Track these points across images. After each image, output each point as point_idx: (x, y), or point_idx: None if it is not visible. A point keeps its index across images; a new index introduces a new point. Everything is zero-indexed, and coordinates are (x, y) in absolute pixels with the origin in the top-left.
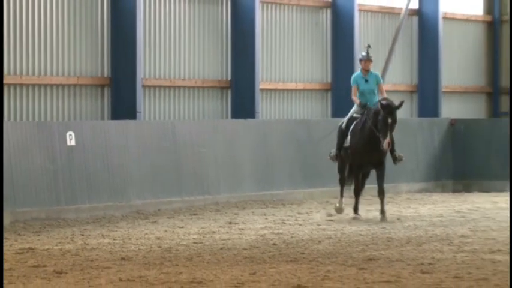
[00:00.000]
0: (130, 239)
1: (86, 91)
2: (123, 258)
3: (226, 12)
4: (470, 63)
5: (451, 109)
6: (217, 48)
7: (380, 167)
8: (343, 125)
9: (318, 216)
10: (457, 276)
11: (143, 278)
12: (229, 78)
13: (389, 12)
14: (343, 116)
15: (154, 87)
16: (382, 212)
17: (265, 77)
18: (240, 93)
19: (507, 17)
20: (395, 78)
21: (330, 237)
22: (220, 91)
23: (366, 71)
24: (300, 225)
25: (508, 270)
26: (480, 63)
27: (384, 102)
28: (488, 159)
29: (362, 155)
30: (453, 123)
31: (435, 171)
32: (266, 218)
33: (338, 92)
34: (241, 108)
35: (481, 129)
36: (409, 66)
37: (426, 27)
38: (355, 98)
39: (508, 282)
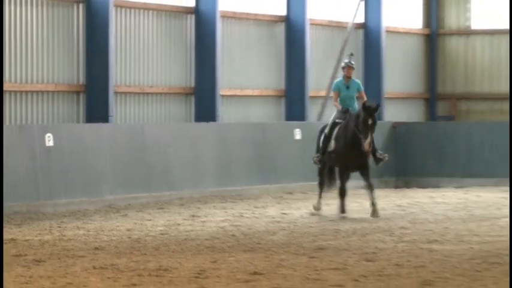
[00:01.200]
0: (103, 230)
1: (63, 97)
2: (96, 248)
3: (190, 25)
4: (410, 71)
5: (393, 113)
6: (182, 58)
7: (364, 170)
8: (326, 130)
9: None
10: (397, 264)
11: (114, 266)
12: (192, 85)
13: (337, 26)
14: (296, 119)
15: (125, 93)
16: (373, 204)
17: (225, 84)
18: (203, 99)
19: (443, 31)
20: None
21: (284, 229)
22: (185, 97)
23: (348, 78)
24: (257, 218)
25: (444, 258)
26: (419, 72)
27: (365, 104)
28: (425, 158)
29: (347, 158)
30: (395, 126)
31: (378, 169)
32: (226, 212)
33: (291, 98)
34: (203, 112)
35: (419, 132)
36: (355, 74)
37: (370, 40)
38: (337, 104)
39: (446, 269)
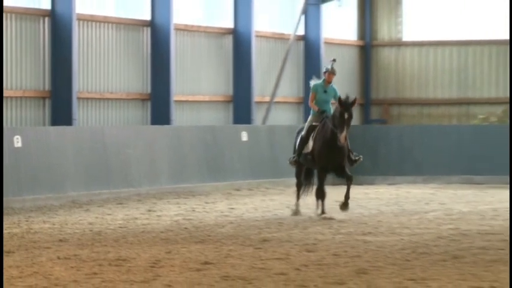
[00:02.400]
0: (66, 224)
1: (30, 102)
2: (60, 240)
3: (146, 37)
4: (346, 79)
5: None
6: (139, 67)
7: (341, 170)
8: (303, 132)
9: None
10: (335, 254)
11: (77, 256)
12: (149, 91)
13: (280, 38)
14: (243, 122)
15: (87, 99)
16: (346, 197)
17: (178, 90)
18: (158, 104)
19: (376, 42)
20: (285, 91)
21: (232, 223)
22: (142, 102)
23: (328, 82)
24: (207, 212)
25: (377, 248)
26: (354, 80)
27: (342, 98)
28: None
29: (326, 158)
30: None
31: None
32: (179, 207)
33: (238, 103)
34: (158, 116)
35: (355, 134)
36: (295, 81)
37: (310, 50)
38: (313, 105)
39: (379, 259)
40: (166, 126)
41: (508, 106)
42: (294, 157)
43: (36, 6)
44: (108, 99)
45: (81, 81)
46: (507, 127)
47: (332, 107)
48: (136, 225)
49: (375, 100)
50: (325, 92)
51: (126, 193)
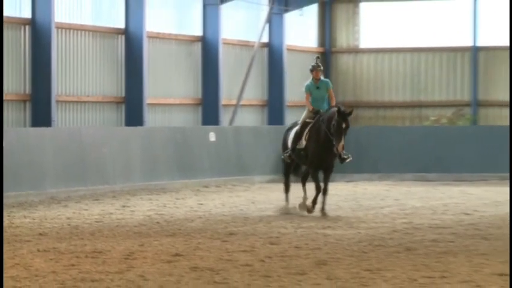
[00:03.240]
0: (46, 219)
1: (12, 105)
2: (40, 234)
3: (120, 44)
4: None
5: (293, 119)
6: (113, 72)
7: (329, 170)
8: (298, 128)
9: (213, 204)
10: (297, 247)
11: (56, 248)
12: (123, 95)
13: (245, 45)
14: (211, 124)
15: (65, 102)
16: (323, 209)
17: (151, 94)
18: (132, 106)
19: (335, 49)
20: (251, 95)
21: (200, 217)
22: (116, 105)
23: (316, 79)
24: (178, 208)
25: (336, 241)
26: None
27: (339, 109)
28: None
29: (318, 157)
30: None
31: (280, 167)
32: (151, 202)
33: (206, 106)
34: (132, 118)
35: None
36: (260, 85)
37: (274, 57)
38: (309, 104)
39: (338, 251)
40: (139, 127)
41: (457, 108)
42: (287, 152)
43: (18, 15)
44: (84, 102)
45: (60, 85)
46: (456, 128)
47: (327, 101)
48: (111, 219)
49: None
50: (317, 88)
51: (102, 190)
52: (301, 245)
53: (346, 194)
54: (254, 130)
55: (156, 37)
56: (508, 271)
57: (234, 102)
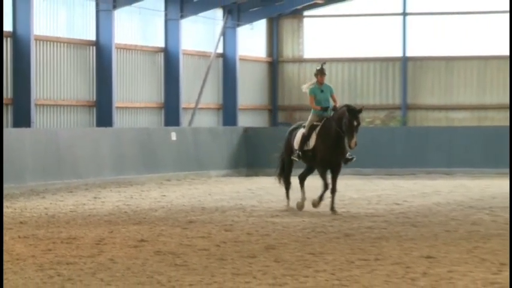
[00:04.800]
0: (26, 209)
1: None
2: (21, 222)
3: (92, 55)
4: (258, 89)
5: (245, 121)
6: (86, 79)
7: (338, 169)
8: (305, 131)
9: (174, 196)
10: (248, 233)
11: (35, 235)
12: (94, 99)
13: (203, 55)
14: (172, 125)
15: (43, 105)
16: (332, 208)
17: (119, 98)
18: (102, 109)
19: (282, 59)
20: (208, 99)
21: (163, 207)
22: (88, 108)
23: (320, 83)
24: (143, 199)
25: (283, 228)
26: (264, 90)
27: (349, 107)
28: (269, 154)
29: (329, 156)
30: (246, 131)
31: (235, 162)
32: (120, 194)
33: (168, 109)
34: (102, 120)
35: (265, 134)
36: (215, 91)
37: (228, 66)
38: (315, 106)
39: (285, 237)
40: (109, 128)
41: (389, 111)
42: (297, 153)
43: None
44: (60, 105)
45: (38, 91)
46: (388, 128)
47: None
48: (84, 209)
49: (281, 106)
50: (322, 91)
51: (76, 183)
52: (252, 232)
53: (292, 187)
54: (210, 130)
55: (124, 48)
56: (434, 254)
57: (192, 105)
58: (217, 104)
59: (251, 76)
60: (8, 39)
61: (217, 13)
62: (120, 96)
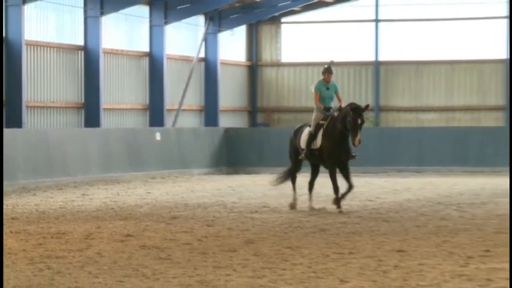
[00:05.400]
0: (17, 205)
1: None
2: (12, 218)
3: (80, 59)
4: (238, 92)
5: (226, 122)
6: (75, 82)
7: (346, 167)
8: (312, 129)
9: (158, 193)
10: (229, 228)
11: (26, 230)
12: (83, 101)
13: (186, 60)
14: (157, 125)
15: (34, 107)
16: (338, 201)
17: (107, 100)
18: (90, 111)
19: (261, 63)
20: (190, 101)
21: (148, 204)
22: (77, 110)
23: (327, 81)
24: (129, 196)
25: (262, 223)
26: (244, 92)
27: (353, 105)
28: (249, 153)
29: (336, 154)
30: (227, 131)
31: (216, 160)
32: (107, 191)
33: (153, 111)
34: (90, 121)
35: (245, 134)
36: (198, 93)
37: (210, 70)
38: (319, 103)
39: (263, 231)
40: (96, 129)
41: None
42: (305, 152)
43: None
44: (50, 107)
45: (29, 93)
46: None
47: (336, 102)
48: (73, 206)
49: (260, 108)
50: (327, 89)
51: (65, 181)
52: (232, 227)
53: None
54: (193, 131)
55: (111, 53)
56: (405, 248)
57: (176, 107)
58: (199, 106)
59: (231, 79)
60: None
61: (200, 19)
62: (107, 98)
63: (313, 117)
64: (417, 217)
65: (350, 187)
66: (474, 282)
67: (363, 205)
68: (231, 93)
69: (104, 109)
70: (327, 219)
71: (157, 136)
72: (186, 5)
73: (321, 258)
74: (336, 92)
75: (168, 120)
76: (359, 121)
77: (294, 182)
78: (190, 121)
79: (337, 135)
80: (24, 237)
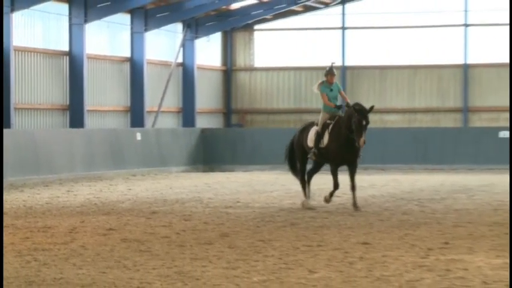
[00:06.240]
0: (6, 201)
1: None
2: None
3: (66, 63)
4: (213, 95)
5: (202, 122)
6: (60, 85)
7: (353, 167)
8: (319, 128)
9: (139, 189)
10: (205, 222)
11: (14, 225)
12: (68, 103)
13: (165, 64)
14: (138, 126)
15: (22, 108)
16: (355, 204)
17: (90, 102)
18: (75, 112)
19: (235, 67)
20: (169, 103)
21: (129, 200)
22: (62, 111)
23: (330, 83)
24: (111, 192)
25: (236, 218)
26: (219, 95)
27: (357, 107)
28: (224, 152)
29: (341, 155)
30: (204, 131)
31: (193, 159)
32: (90, 188)
33: (134, 112)
34: (75, 122)
35: (220, 134)
36: (176, 96)
37: (187, 73)
38: (329, 103)
39: (237, 225)
40: (80, 129)
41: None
42: (313, 151)
43: None
44: (37, 109)
45: (17, 95)
46: None
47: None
48: (59, 202)
49: (234, 109)
50: (331, 90)
51: (51, 178)
52: (208, 221)
53: (243, 181)
54: (171, 131)
55: (94, 58)
56: (370, 240)
57: (155, 109)
58: (177, 108)
59: (207, 83)
60: None
61: (178, 27)
62: (90, 100)
63: (320, 117)
64: (381, 212)
65: (353, 187)
66: (434, 272)
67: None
68: (207, 96)
69: (88, 111)
70: (297, 214)
71: (138, 136)
72: (165, 13)
73: (291, 251)
74: (340, 90)
75: (148, 121)
76: (364, 122)
77: (303, 181)
78: (169, 122)
79: (342, 135)
80: (12, 231)
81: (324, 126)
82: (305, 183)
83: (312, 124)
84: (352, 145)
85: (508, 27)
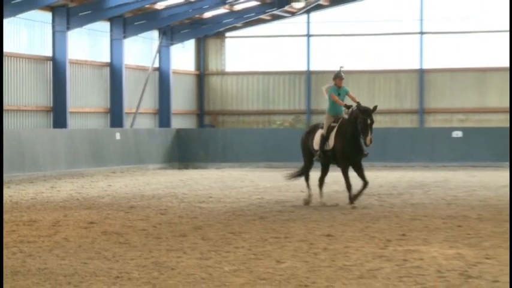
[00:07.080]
0: None
1: None
2: None
3: (49, 68)
4: (188, 97)
5: (177, 123)
6: (44, 88)
7: (360, 165)
8: (324, 132)
9: (118, 186)
10: (180, 216)
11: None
12: (51, 105)
13: (142, 69)
14: (117, 126)
15: (8, 110)
16: (355, 197)
17: (72, 104)
18: (58, 114)
19: (208, 72)
20: (146, 105)
21: (109, 195)
22: (46, 113)
23: (338, 87)
24: (92, 188)
25: (209, 212)
26: (193, 98)
27: (361, 107)
28: (198, 151)
29: (349, 154)
30: (178, 131)
31: (169, 157)
32: (73, 184)
33: (114, 113)
34: (58, 122)
35: (194, 134)
36: (153, 98)
37: (163, 78)
38: (340, 102)
39: (210, 219)
40: (64, 129)
41: (296, 115)
42: (319, 153)
43: None
44: (23, 110)
45: (4, 98)
46: (295, 130)
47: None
48: (43, 197)
49: (207, 111)
50: (338, 94)
51: (36, 175)
52: (183, 215)
53: (215, 178)
54: (149, 131)
55: (76, 63)
56: (333, 233)
57: (133, 110)
58: (154, 109)
59: (182, 86)
60: None
61: (154, 34)
62: (73, 102)
63: (324, 120)
64: (343, 206)
65: (365, 184)
66: (392, 262)
67: (296, 195)
68: (181, 99)
69: (70, 112)
70: (265, 208)
71: (117, 136)
72: (142, 21)
73: (260, 242)
74: (348, 93)
75: (127, 122)
76: (369, 121)
77: (307, 180)
78: (146, 123)
79: (349, 135)
80: None
81: (329, 129)
82: (309, 180)
83: (316, 126)
84: (358, 145)
85: (473, 34)
